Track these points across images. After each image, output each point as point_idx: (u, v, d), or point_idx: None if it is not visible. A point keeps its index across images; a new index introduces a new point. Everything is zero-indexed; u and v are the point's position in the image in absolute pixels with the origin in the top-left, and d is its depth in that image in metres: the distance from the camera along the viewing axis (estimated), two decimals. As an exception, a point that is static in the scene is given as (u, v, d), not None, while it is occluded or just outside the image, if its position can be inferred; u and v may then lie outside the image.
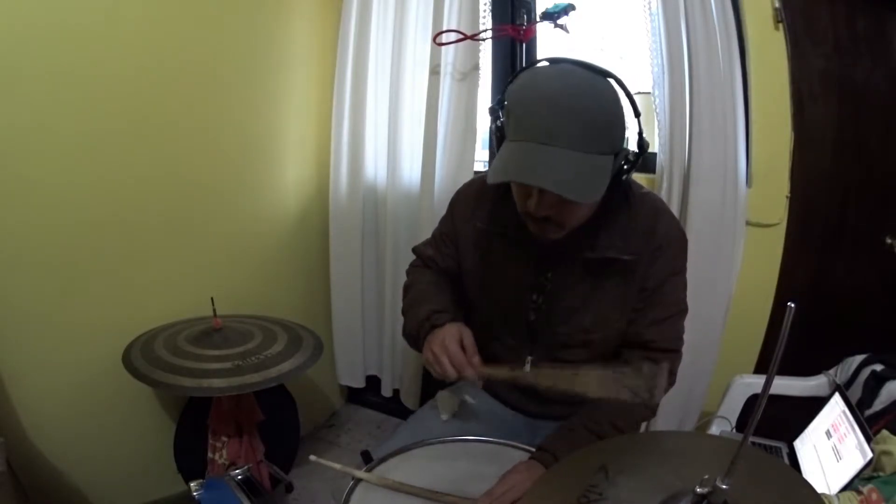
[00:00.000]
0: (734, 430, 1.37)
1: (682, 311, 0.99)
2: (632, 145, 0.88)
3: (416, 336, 1.01)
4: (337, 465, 0.93)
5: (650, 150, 1.53)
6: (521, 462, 0.91)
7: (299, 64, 1.82)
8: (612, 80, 0.82)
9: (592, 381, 0.78)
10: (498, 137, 0.89)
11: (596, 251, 0.94)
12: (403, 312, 1.08)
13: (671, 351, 0.98)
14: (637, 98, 1.66)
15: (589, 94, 0.79)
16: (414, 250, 1.17)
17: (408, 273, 1.16)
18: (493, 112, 0.91)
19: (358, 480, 0.90)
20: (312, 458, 0.96)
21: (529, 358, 1.03)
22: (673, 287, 0.97)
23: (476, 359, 0.90)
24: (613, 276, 0.95)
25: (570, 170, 0.76)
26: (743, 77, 1.43)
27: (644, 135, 0.87)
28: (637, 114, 0.85)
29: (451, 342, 0.91)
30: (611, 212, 0.94)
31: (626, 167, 0.85)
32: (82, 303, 1.38)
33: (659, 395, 0.98)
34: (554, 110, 0.77)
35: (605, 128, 0.80)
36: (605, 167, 0.81)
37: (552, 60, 0.84)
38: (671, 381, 0.99)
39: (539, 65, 0.85)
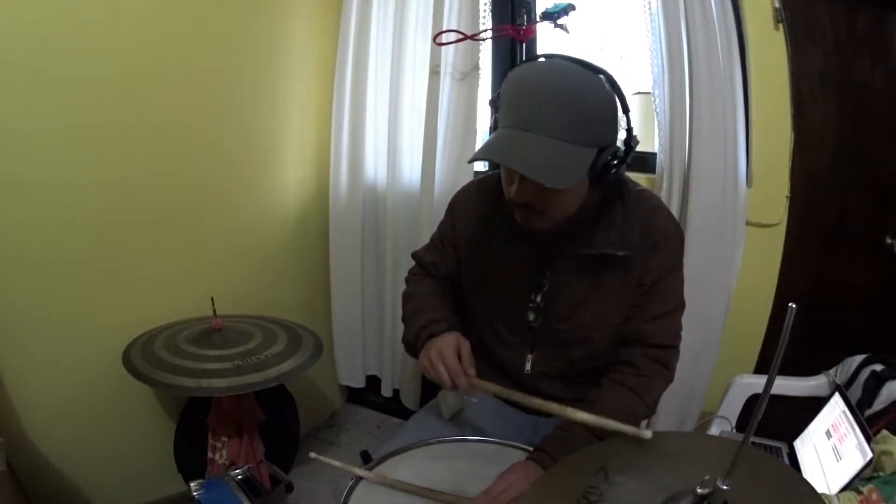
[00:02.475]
0: (734, 431, 1.37)
1: (680, 306, 0.99)
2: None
3: (413, 344, 1.02)
4: (337, 463, 0.94)
5: (651, 150, 1.55)
6: (519, 462, 0.91)
7: (299, 64, 1.82)
8: (602, 77, 0.83)
9: (580, 419, 0.80)
10: (493, 129, 0.90)
11: (592, 248, 0.94)
12: (403, 320, 1.09)
13: (669, 347, 0.98)
14: (637, 98, 1.67)
15: (574, 87, 0.81)
16: (413, 256, 1.17)
17: (407, 281, 1.16)
18: (492, 105, 0.92)
19: (358, 480, 0.90)
20: (312, 455, 0.96)
21: (530, 356, 1.03)
22: (670, 283, 0.97)
23: (472, 370, 0.91)
24: (611, 272, 0.96)
25: (545, 156, 0.78)
26: (743, 77, 1.43)
27: (634, 132, 0.87)
28: (626, 110, 0.85)
29: (448, 351, 0.92)
30: (606, 209, 0.95)
31: (614, 162, 0.85)
32: (82, 303, 1.38)
33: (656, 395, 0.99)
34: (538, 99, 0.80)
35: (587, 120, 0.81)
36: (582, 158, 0.82)
37: (548, 56, 0.86)
38: (669, 378, 1.00)
39: (536, 60, 0.87)
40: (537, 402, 0.86)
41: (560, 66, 0.83)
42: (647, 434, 0.69)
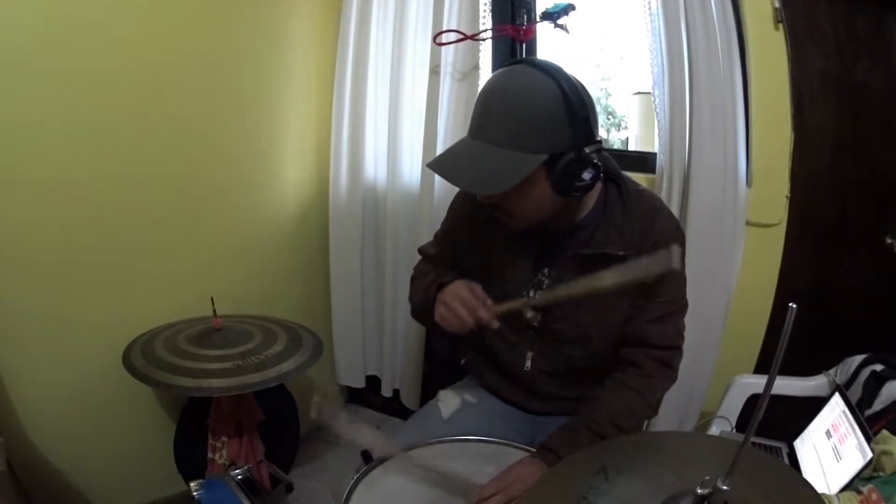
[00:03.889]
0: (734, 431, 1.37)
1: (682, 307, 1.00)
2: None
3: (424, 303, 1.01)
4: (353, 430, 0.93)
5: (651, 150, 1.55)
6: (525, 458, 0.91)
7: (300, 63, 1.82)
8: (558, 83, 0.81)
9: (607, 276, 0.81)
10: None
11: (592, 247, 0.94)
12: (410, 298, 1.10)
13: (672, 347, 0.99)
14: (637, 98, 1.66)
15: (520, 95, 0.82)
16: (419, 250, 1.19)
17: (414, 270, 1.18)
18: None
19: (359, 480, 0.90)
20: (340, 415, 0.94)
21: (529, 354, 1.04)
22: (672, 283, 0.97)
23: (489, 301, 0.91)
24: (610, 272, 0.96)
25: (483, 164, 0.82)
26: (743, 77, 1.43)
27: (597, 138, 0.86)
28: (574, 118, 0.82)
29: (463, 290, 0.91)
30: (606, 209, 0.96)
31: (574, 167, 0.83)
32: (82, 302, 1.38)
33: (660, 395, 0.99)
34: (485, 107, 0.84)
35: (531, 128, 0.81)
36: (525, 165, 0.81)
37: (515, 62, 0.88)
38: (673, 378, 1.00)
39: (504, 68, 0.88)
40: (563, 292, 0.89)
41: (513, 75, 0.84)
42: (676, 259, 0.73)
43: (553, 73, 0.82)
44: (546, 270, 1.00)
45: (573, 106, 0.81)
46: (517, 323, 1.03)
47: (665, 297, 0.97)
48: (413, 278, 1.14)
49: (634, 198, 0.97)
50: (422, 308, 1.04)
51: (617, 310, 0.97)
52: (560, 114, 0.81)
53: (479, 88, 1.63)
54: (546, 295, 0.93)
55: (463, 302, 0.90)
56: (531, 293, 1.01)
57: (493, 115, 0.83)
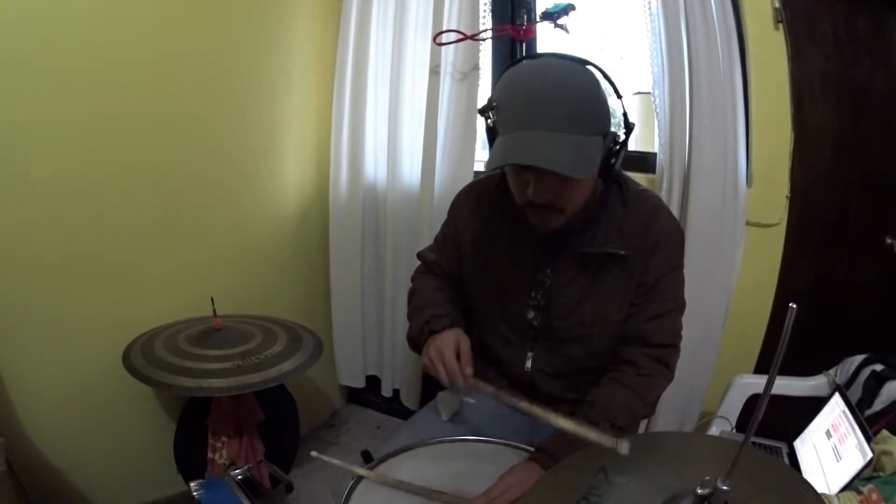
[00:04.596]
0: (734, 431, 1.37)
1: (680, 306, 1.00)
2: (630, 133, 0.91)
3: (417, 340, 1.03)
4: (337, 462, 0.94)
5: (651, 150, 1.55)
6: (519, 463, 0.91)
7: (300, 63, 1.82)
8: (591, 68, 0.86)
9: (565, 425, 0.77)
10: (490, 137, 0.91)
11: (593, 246, 0.95)
12: (408, 318, 1.09)
13: (669, 346, 0.98)
14: (637, 98, 1.67)
15: (567, 80, 0.82)
16: (418, 256, 1.18)
17: (412, 279, 1.17)
18: (483, 113, 0.92)
19: (359, 479, 0.90)
20: (314, 453, 0.96)
21: (530, 354, 1.04)
22: (671, 283, 0.98)
23: (468, 370, 0.91)
24: (611, 271, 0.96)
25: (558, 148, 0.79)
26: (743, 77, 1.43)
27: (629, 116, 0.91)
28: (619, 95, 0.89)
29: (447, 349, 0.92)
30: (607, 208, 0.96)
31: (616, 148, 0.88)
32: (82, 302, 1.38)
33: (657, 394, 0.99)
34: (534, 97, 0.81)
35: (586, 110, 0.82)
36: (593, 146, 0.83)
37: (532, 56, 0.90)
38: (670, 377, 1.00)
39: (524, 61, 0.88)
40: (524, 406, 0.84)
41: (549, 64, 0.85)
42: (624, 450, 0.67)
43: (581, 61, 0.86)
44: (547, 270, 1.00)
45: (615, 85, 0.88)
46: (518, 323, 1.03)
47: (663, 295, 0.97)
48: (411, 294, 1.13)
49: (635, 197, 0.97)
50: (415, 344, 1.05)
51: (617, 309, 0.97)
52: (602, 96, 0.85)
53: (479, 88, 1.67)
54: (518, 401, 0.85)
55: (444, 365, 0.91)
56: (533, 293, 1.01)
57: (550, 102, 0.80)
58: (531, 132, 0.80)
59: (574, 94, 0.81)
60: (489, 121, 0.89)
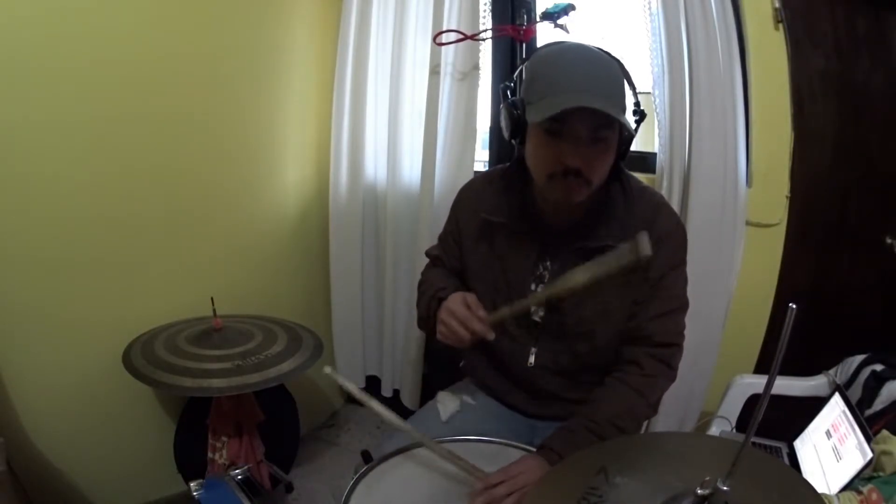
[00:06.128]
0: (734, 431, 1.37)
1: (683, 305, 1.00)
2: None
3: (427, 317, 1.05)
4: (377, 406, 0.94)
5: (651, 150, 1.55)
6: (528, 455, 0.91)
7: (300, 63, 1.82)
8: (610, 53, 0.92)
9: (580, 272, 0.82)
10: (514, 120, 0.91)
11: (595, 241, 0.95)
12: (416, 306, 1.12)
13: (672, 345, 0.99)
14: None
15: (604, 57, 0.89)
16: (426, 254, 1.20)
17: (421, 275, 1.19)
18: (509, 90, 0.95)
19: (359, 480, 0.90)
20: (327, 369, 0.99)
21: (533, 350, 1.04)
22: (674, 281, 0.98)
23: (481, 312, 0.92)
24: None
25: (607, 105, 0.82)
26: (743, 77, 1.43)
27: (641, 106, 0.94)
28: (633, 87, 0.93)
29: (456, 305, 0.94)
30: (609, 204, 0.97)
31: (628, 136, 0.91)
32: (82, 302, 1.38)
33: (659, 394, 0.99)
34: (585, 68, 0.86)
35: (620, 86, 0.88)
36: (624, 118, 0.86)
37: (553, 43, 0.94)
38: (672, 377, 1.00)
39: (556, 43, 0.94)
40: (542, 295, 0.92)
41: (585, 44, 0.91)
42: (645, 248, 0.73)
43: (601, 48, 0.91)
44: (548, 264, 1.00)
45: (628, 73, 0.91)
46: (521, 318, 1.03)
47: (665, 294, 0.97)
48: (420, 284, 1.15)
49: (637, 194, 0.98)
50: (425, 322, 1.07)
51: (620, 305, 0.98)
52: (627, 81, 0.90)
53: (479, 89, 1.67)
54: (532, 297, 0.94)
55: (456, 317, 0.92)
56: (535, 287, 1.01)
57: (595, 74, 0.85)
58: (578, 94, 0.82)
59: (611, 70, 0.87)
60: (515, 111, 0.91)
